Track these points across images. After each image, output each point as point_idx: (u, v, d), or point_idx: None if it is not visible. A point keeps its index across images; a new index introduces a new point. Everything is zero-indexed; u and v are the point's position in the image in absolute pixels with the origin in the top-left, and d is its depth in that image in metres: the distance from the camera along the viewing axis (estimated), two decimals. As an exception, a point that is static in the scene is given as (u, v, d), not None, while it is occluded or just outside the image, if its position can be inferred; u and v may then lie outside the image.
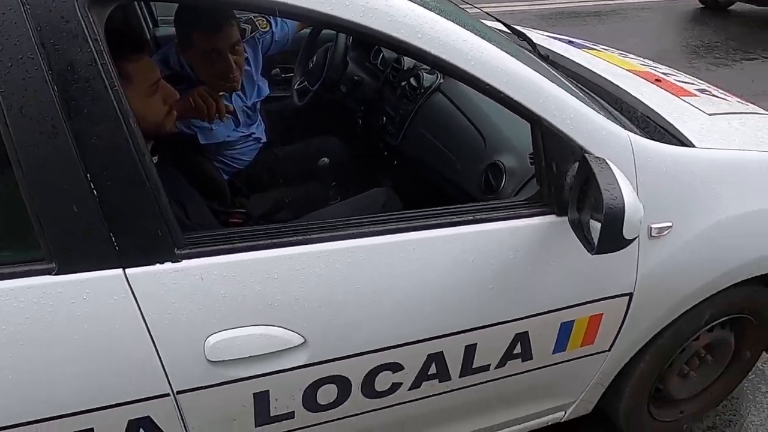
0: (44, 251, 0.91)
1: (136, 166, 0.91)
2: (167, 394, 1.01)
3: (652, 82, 1.90)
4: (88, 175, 0.88)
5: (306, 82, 2.24)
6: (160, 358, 0.97)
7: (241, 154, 1.99)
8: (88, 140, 0.88)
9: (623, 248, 1.06)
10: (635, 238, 1.05)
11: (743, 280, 1.51)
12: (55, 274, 0.90)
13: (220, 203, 1.84)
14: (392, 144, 1.90)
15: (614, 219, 1.01)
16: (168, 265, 0.95)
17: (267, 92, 2.00)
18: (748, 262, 1.47)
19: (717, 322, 1.64)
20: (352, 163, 2.01)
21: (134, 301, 0.94)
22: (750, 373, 2.06)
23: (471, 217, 1.18)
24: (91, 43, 0.86)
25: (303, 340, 1.06)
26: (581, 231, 1.12)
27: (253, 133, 1.98)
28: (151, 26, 2.53)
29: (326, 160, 1.92)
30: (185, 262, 0.96)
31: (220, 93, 1.72)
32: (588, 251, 1.08)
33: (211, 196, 1.72)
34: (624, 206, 1.01)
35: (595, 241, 1.05)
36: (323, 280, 1.07)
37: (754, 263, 1.48)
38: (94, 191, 0.89)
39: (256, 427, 1.14)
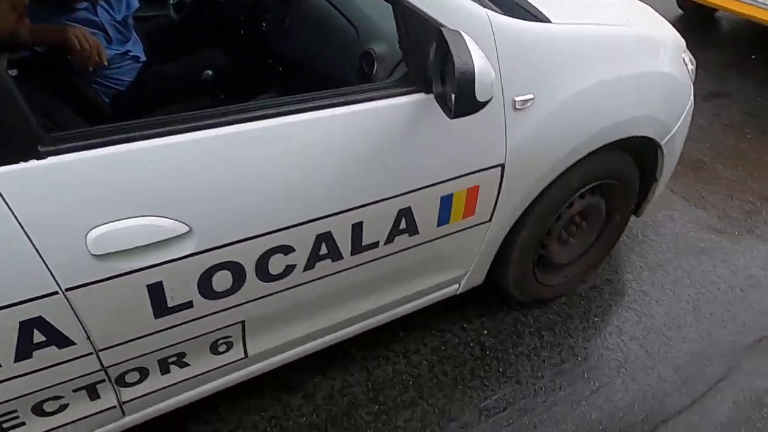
0: None
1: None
2: (56, 293, 1.02)
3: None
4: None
5: (181, -4, 2.15)
6: (41, 256, 0.98)
7: (120, 74, 1.91)
8: None
9: (479, 110, 1.14)
10: (489, 101, 1.14)
11: (605, 147, 1.67)
12: None
13: (104, 126, 1.79)
14: (275, 49, 1.89)
15: (466, 82, 1.09)
16: (33, 163, 0.94)
17: (136, 5, 1.91)
18: (605, 128, 1.61)
19: (586, 188, 1.81)
20: (237, 74, 1.99)
21: (2, 201, 0.93)
22: (624, 237, 2.31)
23: (344, 99, 1.22)
24: None
25: (188, 229, 1.09)
26: (444, 102, 1.20)
27: (130, 51, 1.91)
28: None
29: (210, 72, 1.90)
30: (51, 159, 0.95)
31: (82, 4, 1.63)
32: (448, 117, 1.16)
33: (92, 121, 1.67)
34: (474, 70, 1.09)
35: (453, 106, 1.13)
36: (203, 168, 1.09)
37: (611, 129, 1.63)
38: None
39: (155, 319, 1.18)
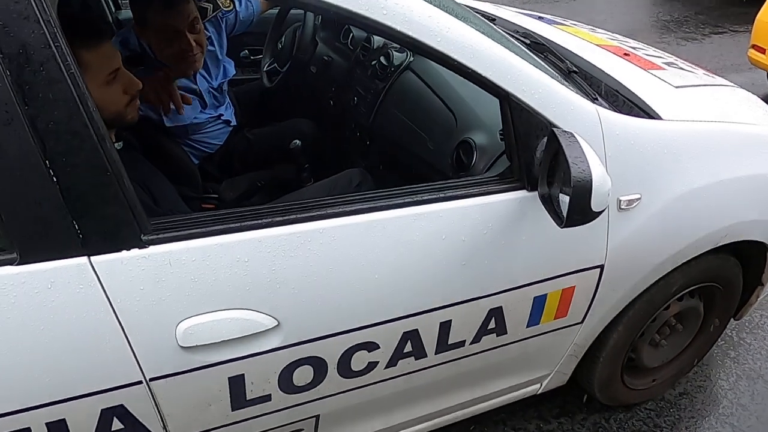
0: (5, 241, 0.88)
1: (96, 151, 0.89)
2: (140, 382, 0.99)
3: (621, 57, 1.91)
4: (47, 161, 0.86)
5: (275, 64, 2.20)
6: (130, 345, 0.96)
7: (211, 138, 1.95)
8: (45, 126, 0.85)
9: (592, 221, 1.07)
10: (603, 211, 1.06)
11: (711, 249, 1.55)
12: (17, 265, 0.88)
13: (192, 189, 1.82)
14: (364, 124, 1.88)
15: (582, 192, 1.02)
16: (134, 252, 0.93)
17: (233, 72, 1.96)
18: (713, 232, 1.50)
19: (686, 291, 1.68)
20: (324, 145, 2.00)
21: (101, 289, 0.92)
22: (719, 340, 2.12)
23: (443, 195, 1.17)
24: (43, 24, 0.83)
25: (276, 323, 1.05)
26: (551, 205, 1.13)
27: (222, 115, 1.95)
28: (113, 9, 2.47)
29: (298, 142, 1.90)
30: (152, 248, 0.94)
31: (184, 76, 1.68)
32: (557, 225, 1.09)
33: (181, 182, 1.70)
34: (592, 179, 1.02)
35: (564, 214, 1.06)
36: (295, 262, 1.06)
37: (720, 233, 1.51)
38: (54, 178, 0.86)
39: (232, 411, 1.13)
